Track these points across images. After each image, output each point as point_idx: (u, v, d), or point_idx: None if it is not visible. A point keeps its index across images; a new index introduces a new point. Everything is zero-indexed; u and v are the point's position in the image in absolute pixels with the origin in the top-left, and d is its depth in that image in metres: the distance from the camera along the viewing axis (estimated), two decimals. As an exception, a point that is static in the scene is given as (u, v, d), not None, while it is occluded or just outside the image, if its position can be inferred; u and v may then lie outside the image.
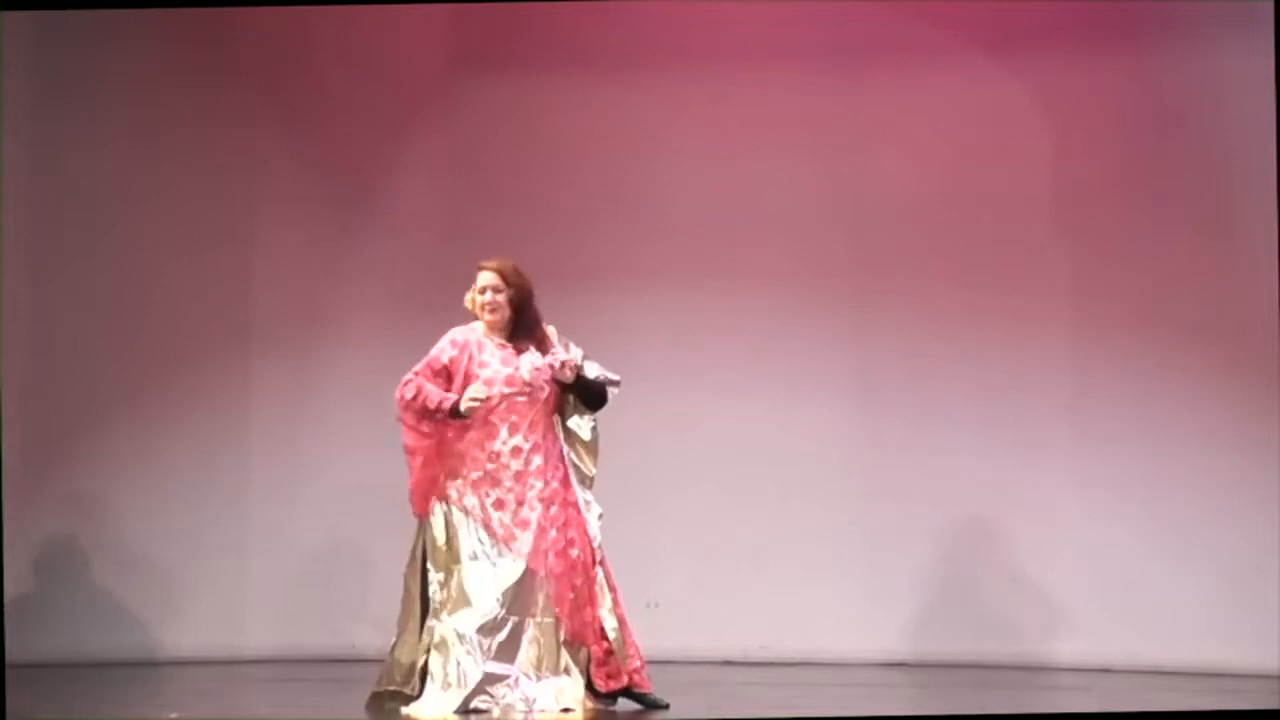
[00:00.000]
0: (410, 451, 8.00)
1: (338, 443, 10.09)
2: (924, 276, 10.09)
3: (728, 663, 9.95)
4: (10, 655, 8.15)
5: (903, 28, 10.08)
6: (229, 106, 10.29)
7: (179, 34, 10.16)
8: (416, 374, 8.00)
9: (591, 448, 8.08)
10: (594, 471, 8.06)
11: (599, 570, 8.01)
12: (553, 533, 7.93)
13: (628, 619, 8.03)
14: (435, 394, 7.93)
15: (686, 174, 10.24)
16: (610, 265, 10.19)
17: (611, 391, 8.13)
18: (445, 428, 7.97)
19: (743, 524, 10.08)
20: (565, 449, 8.09)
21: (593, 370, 8.12)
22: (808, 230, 10.17)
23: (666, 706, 7.98)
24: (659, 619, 9.72)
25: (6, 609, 8.36)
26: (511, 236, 10.08)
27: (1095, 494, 9.83)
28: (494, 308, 8.02)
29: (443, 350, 8.03)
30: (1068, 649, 9.72)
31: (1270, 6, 8.90)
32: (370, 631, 9.49)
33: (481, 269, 8.07)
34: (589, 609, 7.95)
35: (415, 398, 7.95)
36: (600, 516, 8.02)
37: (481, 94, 10.36)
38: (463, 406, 7.88)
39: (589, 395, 8.09)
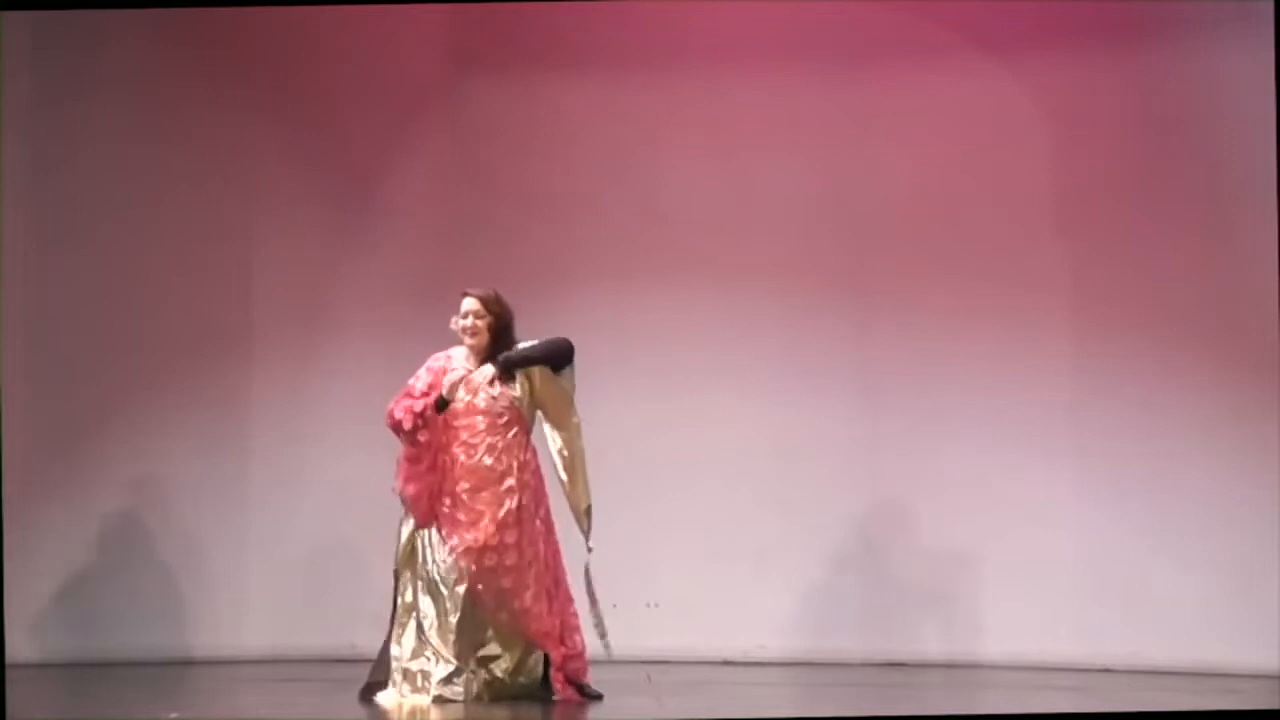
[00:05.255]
0: (413, 460, 8.15)
1: (338, 443, 10.08)
2: (924, 276, 10.08)
3: (728, 663, 9.94)
4: (10, 655, 8.15)
5: (903, 28, 10.08)
6: (230, 107, 10.29)
7: (179, 34, 10.16)
8: (396, 403, 8.18)
9: (571, 463, 8.18)
10: (570, 488, 8.17)
11: (557, 587, 8.24)
12: (511, 555, 8.09)
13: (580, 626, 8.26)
14: (416, 404, 8.13)
15: (686, 174, 10.24)
16: (610, 265, 10.19)
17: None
18: (436, 432, 8.13)
19: (743, 524, 10.07)
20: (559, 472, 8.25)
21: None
22: (808, 230, 10.17)
23: (600, 698, 8.19)
24: (659, 619, 9.73)
25: (6, 609, 8.34)
26: (511, 236, 10.11)
27: (1095, 494, 9.83)
28: (474, 332, 8.24)
29: (419, 378, 8.24)
30: (1068, 649, 9.72)
31: (1270, 6, 8.90)
32: (369, 631, 9.48)
33: (465, 295, 8.28)
34: (549, 619, 8.14)
35: (404, 416, 8.12)
36: (590, 550, 8.16)
37: (481, 94, 10.36)
38: (444, 392, 8.08)
39: (549, 358, 8.17)
